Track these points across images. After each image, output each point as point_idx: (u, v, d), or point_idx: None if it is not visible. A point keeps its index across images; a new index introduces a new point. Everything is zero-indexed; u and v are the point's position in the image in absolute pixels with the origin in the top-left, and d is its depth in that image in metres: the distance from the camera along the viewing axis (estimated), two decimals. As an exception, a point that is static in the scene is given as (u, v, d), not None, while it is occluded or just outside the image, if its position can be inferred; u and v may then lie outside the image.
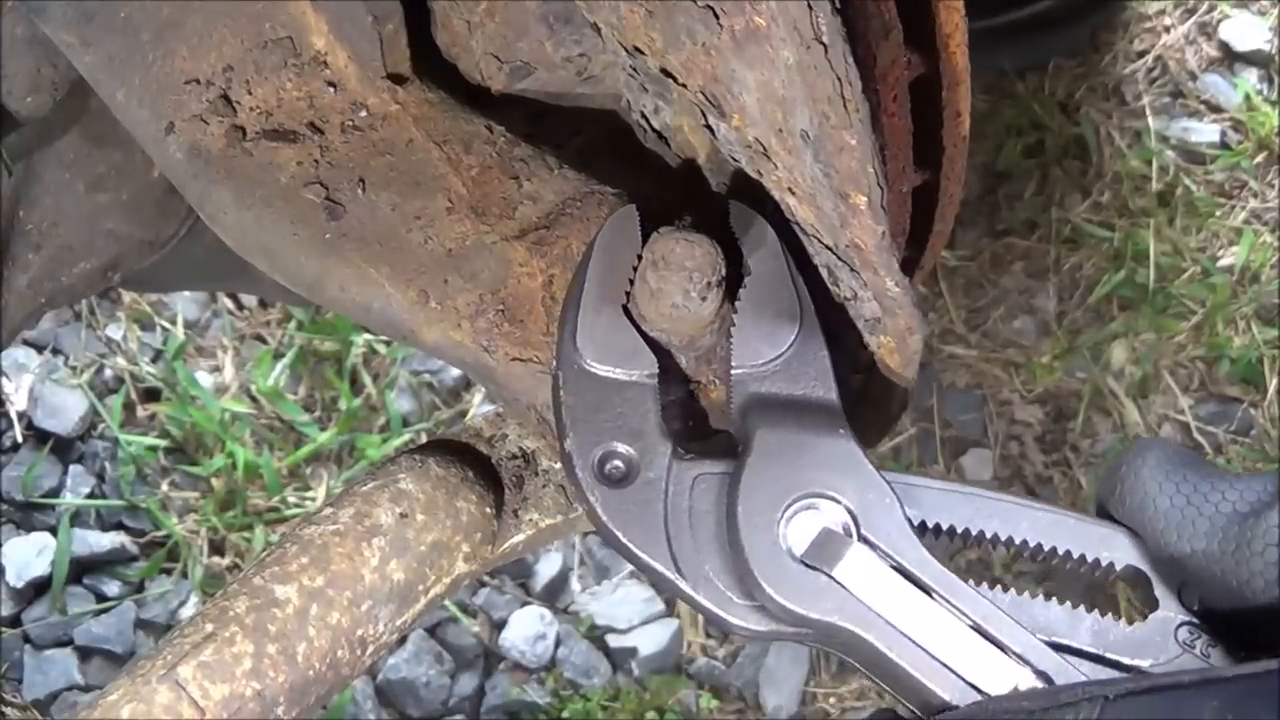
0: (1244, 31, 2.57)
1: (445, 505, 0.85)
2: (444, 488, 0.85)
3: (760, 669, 2.12)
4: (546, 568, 2.16)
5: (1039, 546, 0.75)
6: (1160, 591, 0.74)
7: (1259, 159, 2.47)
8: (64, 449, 2.24)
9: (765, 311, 0.79)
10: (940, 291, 2.34)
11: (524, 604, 2.15)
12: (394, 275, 0.86)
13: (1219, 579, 0.69)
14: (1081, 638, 0.73)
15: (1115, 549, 0.75)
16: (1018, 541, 0.75)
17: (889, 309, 0.78)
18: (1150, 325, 2.31)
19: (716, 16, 0.71)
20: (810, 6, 0.67)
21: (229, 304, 2.33)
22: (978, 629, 0.71)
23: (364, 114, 0.92)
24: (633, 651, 2.12)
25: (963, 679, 0.70)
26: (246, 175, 0.90)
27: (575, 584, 2.17)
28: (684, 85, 0.78)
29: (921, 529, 0.74)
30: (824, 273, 0.81)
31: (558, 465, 0.91)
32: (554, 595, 2.16)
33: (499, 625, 2.14)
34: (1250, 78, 2.55)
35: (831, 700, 2.11)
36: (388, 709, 2.08)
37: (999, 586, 0.74)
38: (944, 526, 0.75)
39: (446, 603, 2.03)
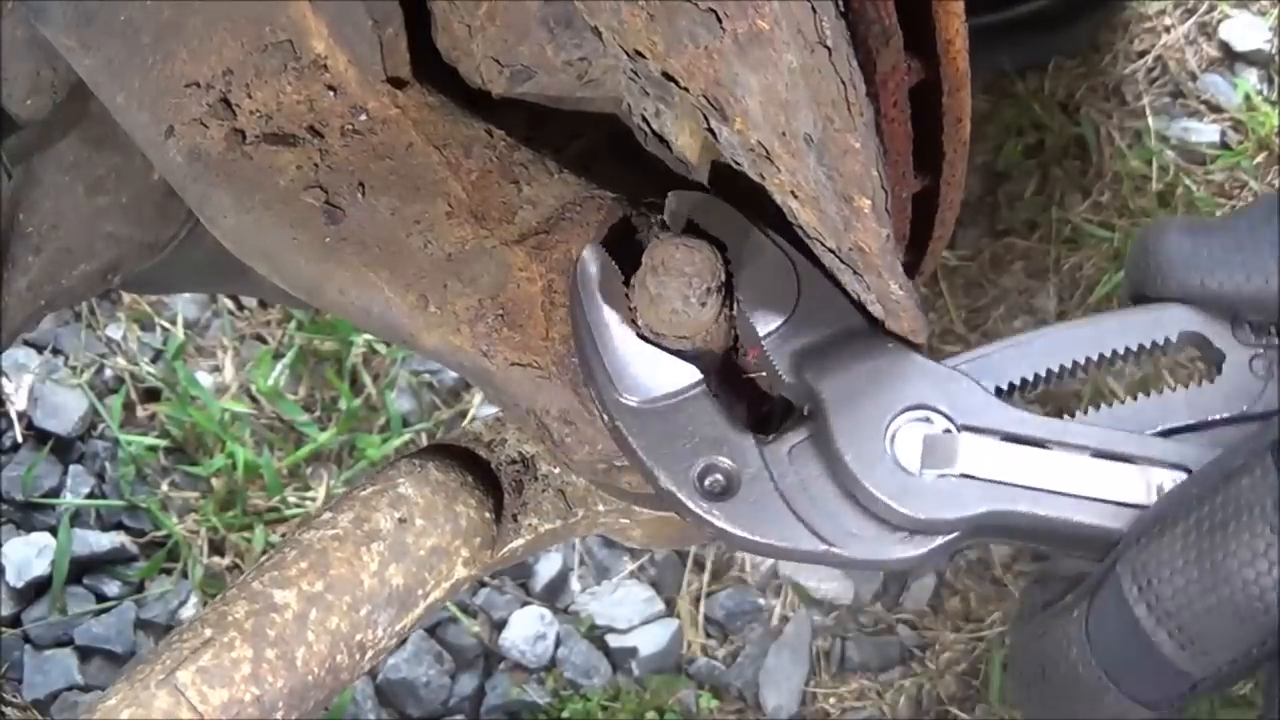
0: (1244, 31, 2.57)
1: (444, 510, 0.85)
2: (443, 492, 0.85)
3: (760, 669, 2.12)
4: (546, 568, 2.16)
5: (1101, 357, 0.77)
6: (1220, 341, 0.77)
7: (1259, 159, 2.47)
8: (64, 449, 2.24)
9: (760, 275, 0.79)
10: (940, 291, 2.34)
11: (524, 604, 2.15)
12: (393, 279, 0.85)
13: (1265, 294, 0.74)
14: (1179, 415, 0.76)
15: (1165, 327, 0.77)
16: (1083, 363, 0.77)
17: (892, 311, 0.78)
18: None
19: (719, 20, 0.71)
20: (814, 9, 0.67)
21: (229, 304, 2.33)
22: (1103, 454, 0.74)
23: (364, 118, 0.91)
24: (633, 651, 2.12)
25: (1115, 502, 0.73)
26: (246, 179, 0.90)
27: (575, 584, 2.17)
28: (686, 89, 0.78)
29: (1000, 393, 0.76)
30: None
31: (557, 470, 0.91)
32: (554, 595, 2.16)
33: (499, 625, 2.14)
34: (1250, 78, 2.55)
35: (831, 700, 2.11)
36: (388, 709, 2.08)
37: (1085, 410, 0.77)
38: (1018, 382, 0.77)
39: (446, 603, 2.04)
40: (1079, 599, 0.71)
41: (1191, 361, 0.79)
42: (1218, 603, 0.65)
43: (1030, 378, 0.77)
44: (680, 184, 0.89)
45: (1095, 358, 0.77)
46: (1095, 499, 0.73)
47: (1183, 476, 0.73)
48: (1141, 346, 0.77)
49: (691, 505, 0.76)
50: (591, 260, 0.81)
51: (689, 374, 0.78)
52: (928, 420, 0.75)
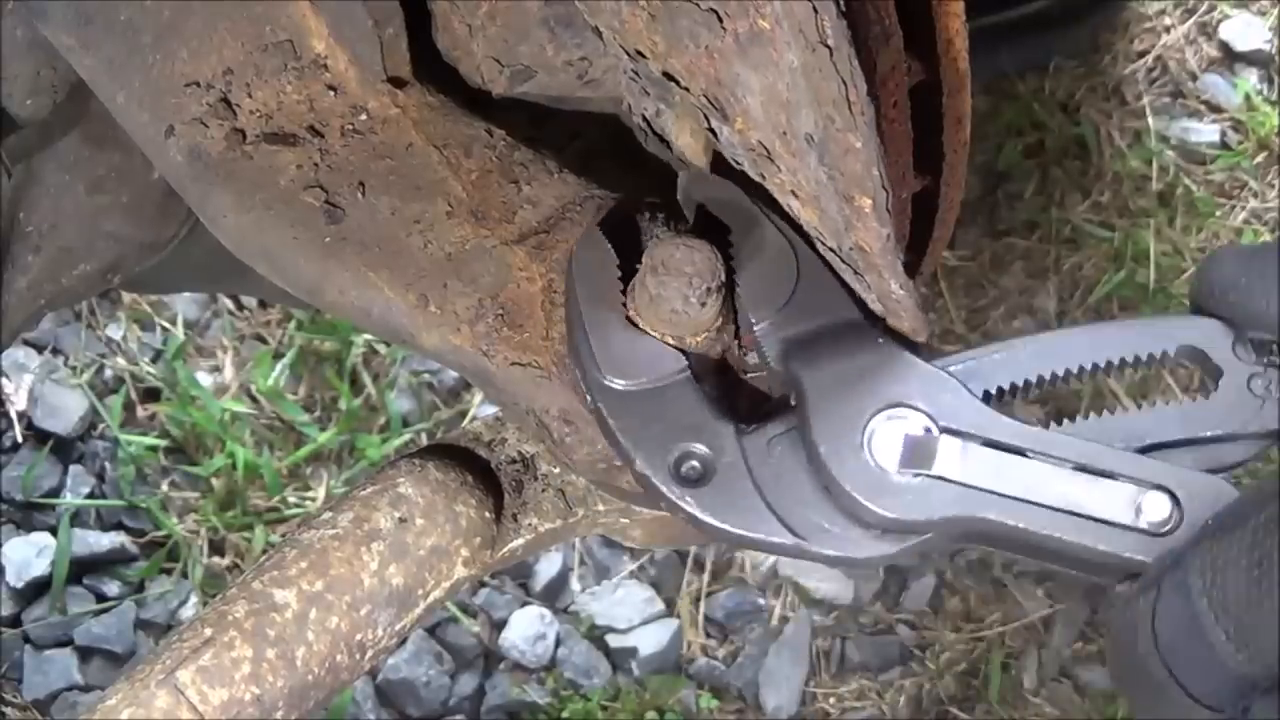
0: (1244, 31, 2.57)
1: (444, 510, 0.85)
2: (443, 492, 0.85)
3: (760, 669, 2.12)
4: (546, 568, 2.16)
5: (1095, 367, 0.76)
6: (1220, 358, 0.76)
7: (1259, 159, 2.47)
8: (64, 449, 2.24)
9: (761, 261, 0.79)
10: (940, 291, 2.34)
11: (524, 604, 2.15)
12: (393, 279, 0.85)
13: None
14: (1171, 430, 0.75)
15: (1164, 340, 0.77)
16: (1075, 372, 0.76)
17: (893, 311, 0.78)
18: (1151, 323, 2.30)
19: (720, 19, 0.71)
20: (816, 9, 0.67)
21: (229, 304, 2.33)
22: (1084, 468, 0.73)
23: (364, 117, 0.91)
24: (633, 651, 2.12)
25: (1091, 518, 0.72)
26: (246, 178, 0.90)
27: (575, 584, 2.17)
28: (686, 89, 0.78)
29: (988, 398, 0.76)
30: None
31: (557, 469, 0.91)
32: (554, 595, 2.16)
33: (499, 625, 2.14)
34: (1250, 78, 2.55)
35: (831, 700, 2.11)
36: (388, 709, 2.08)
37: (1075, 419, 0.76)
38: (1007, 386, 0.76)
39: (446, 603, 2.04)
40: (1146, 588, 0.70)
41: (1192, 376, 0.78)
42: (1272, 607, 0.64)
43: (1021, 383, 0.76)
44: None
45: (1089, 366, 0.77)
46: (1071, 513, 0.72)
47: (1164, 498, 0.72)
48: (1138, 358, 0.77)
49: (665, 490, 0.76)
50: (589, 245, 0.81)
51: (675, 360, 0.78)
52: (908, 419, 0.74)
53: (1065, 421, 0.76)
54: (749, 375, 0.82)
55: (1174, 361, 0.76)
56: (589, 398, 0.79)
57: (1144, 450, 0.75)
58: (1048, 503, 0.73)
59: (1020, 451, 0.74)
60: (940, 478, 0.73)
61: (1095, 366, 0.77)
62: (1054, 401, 2.25)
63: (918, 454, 0.74)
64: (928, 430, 0.74)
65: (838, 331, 0.78)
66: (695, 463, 0.76)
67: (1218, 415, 0.75)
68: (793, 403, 0.77)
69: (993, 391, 0.76)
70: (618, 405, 0.78)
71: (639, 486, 0.78)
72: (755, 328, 0.78)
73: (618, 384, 0.78)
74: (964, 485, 0.73)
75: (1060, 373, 0.77)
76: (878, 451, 0.74)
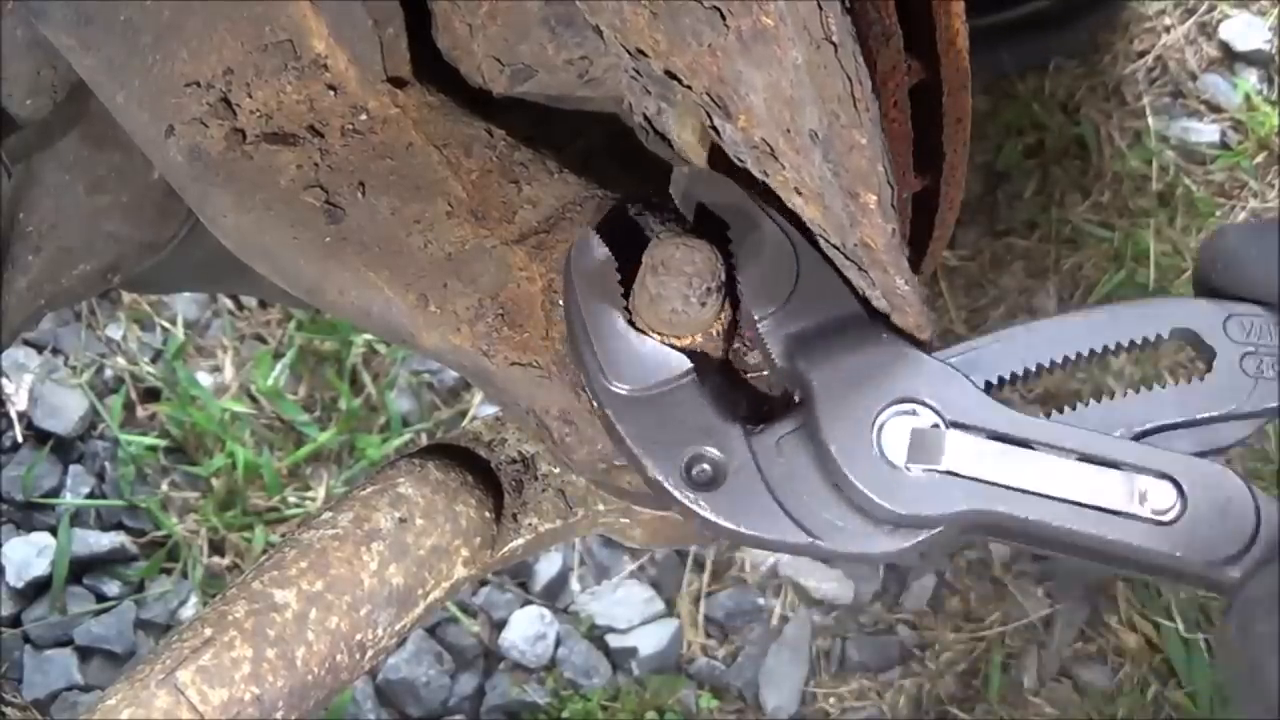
0: (1244, 31, 2.57)
1: (444, 510, 0.85)
2: (443, 492, 0.85)
3: (760, 669, 2.12)
4: (546, 568, 2.16)
5: (1092, 352, 0.77)
6: (1212, 339, 0.76)
7: (1259, 159, 2.47)
8: (64, 449, 2.24)
9: (761, 259, 0.79)
10: (940, 291, 2.34)
11: (524, 604, 2.15)
12: (393, 279, 0.85)
13: None
14: (1168, 413, 0.76)
15: (1157, 323, 0.78)
16: (1073, 358, 0.77)
17: (898, 306, 0.78)
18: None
19: (723, 17, 0.70)
20: (820, 6, 0.66)
21: (229, 304, 2.33)
22: (1088, 458, 0.74)
23: (364, 117, 0.91)
24: (633, 651, 2.12)
25: (1097, 508, 0.73)
26: (246, 178, 0.90)
27: (575, 584, 2.17)
28: (689, 87, 0.78)
29: (989, 388, 0.76)
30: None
31: (557, 469, 0.91)
32: (554, 595, 2.16)
33: (499, 625, 2.14)
34: (1250, 78, 2.55)
35: (831, 700, 2.11)
36: (388, 709, 2.08)
37: (1075, 406, 0.77)
38: (1008, 376, 0.77)
39: (446, 603, 2.04)
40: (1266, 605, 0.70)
41: (1192, 361, 0.79)
42: None
43: (1021, 372, 0.77)
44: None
45: (1086, 352, 0.77)
46: (1078, 504, 0.73)
47: (1168, 486, 0.73)
48: (1133, 342, 0.77)
49: (678, 495, 0.76)
50: (586, 247, 0.81)
51: (679, 363, 0.78)
52: (916, 414, 0.75)
53: (1066, 409, 0.76)
54: (750, 375, 0.82)
55: (1168, 345, 0.77)
56: (595, 403, 0.79)
57: (1143, 434, 0.75)
58: (1055, 494, 0.73)
59: (1026, 443, 0.74)
60: (950, 472, 0.74)
61: (1092, 353, 0.77)
62: (1054, 401, 2.25)
63: (927, 449, 0.74)
64: (935, 425, 0.75)
65: (840, 327, 0.78)
66: (706, 466, 0.76)
67: (1213, 396, 0.76)
68: (798, 399, 0.77)
69: (994, 382, 0.77)
70: (624, 411, 0.78)
71: (649, 490, 0.78)
72: (758, 325, 0.78)
73: (623, 389, 0.78)
74: (973, 479, 0.74)
75: (1059, 359, 0.77)
76: (887, 447, 0.74)
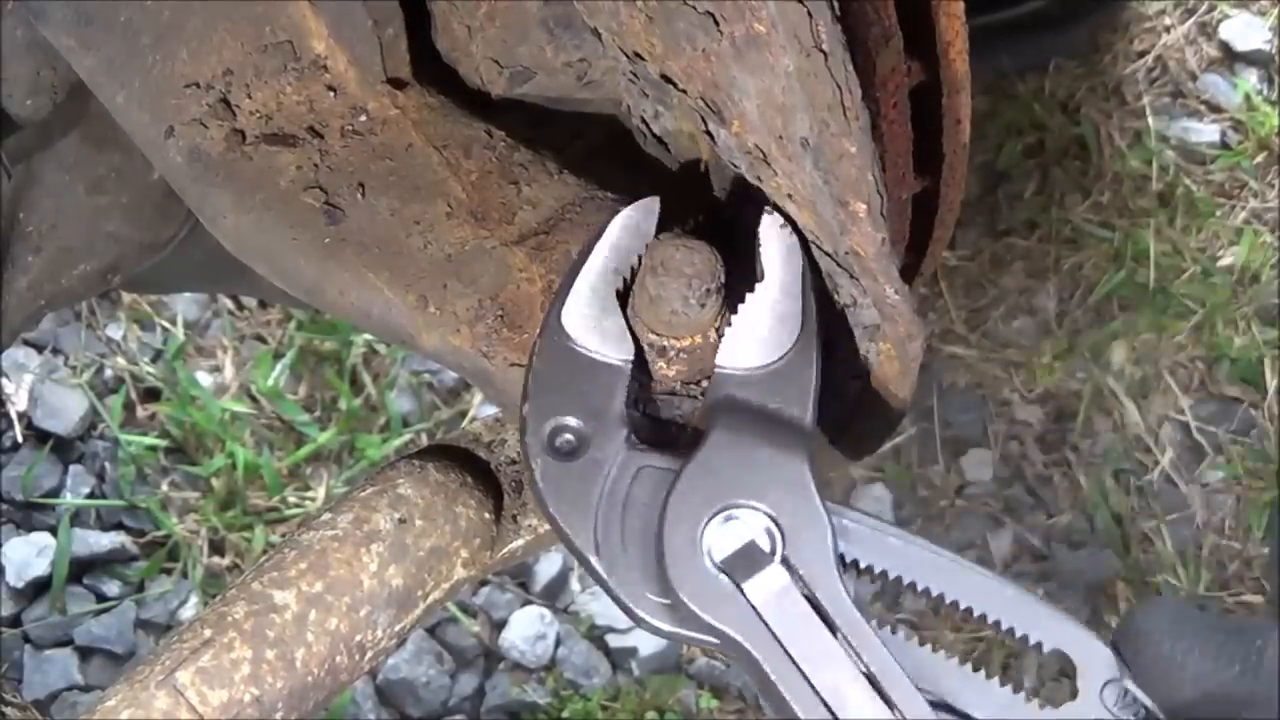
0: (1244, 31, 2.57)
1: (444, 510, 0.85)
2: (443, 493, 0.85)
3: (760, 669, 2.12)
4: (546, 567, 2.16)
5: (969, 610, 0.75)
6: (1083, 684, 0.75)
7: (1259, 159, 2.47)
8: (64, 449, 2.24)
9: (765, 319, 0.78)
10: (940, 291, 2.34)
11: (524, 604, 2.15)
12: (393, 280, 0.86)
13: (1219, 698, 0.70)
14: (985, 709, 0.74)
15: (1051, 635, 0.75)
16: (948, 601, 0.75)
17: (888, 315, 0.78)
18: (1150, 325, 2.30)
19: (717, 23, 0.71)
20: (810, 14, 0.67)
21: (229, 304, 2.33)
22: (871, 679, 0.71)
23: (364, 118, 0.92)
24: (633, 651, 2.12)
25: None
26: (246, 179, 0.90)
27: (575, 584, 2.17)
28: (684, 91, 0.78)
29: (852, 566, 0.75)
30: (824, 279, 0.81)
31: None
32: (554, 595, 2.16)
33: (499, 625, 2.14)
34: (1250, 78, 2.55)
35: (831, 700, 2.11)
36: (388, 709, 2.08)
37: (924, 641, 0.75)
38: (876, 569, 0.75)
39: (446, 603, 2.04)
40: None
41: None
42: None
43: (892, 575, 0.75)
44: (680, 184, 0.89)
45: (964, 608, 0.75)
46: (826, 707, 0.70)
47: None
48: (1012, 631, 0.75)
49: (529, 441, 0.76)
50: (646, 207, 0.81)
51: (627, 349, 0.78)
52: (761, 534, 0.73)
53: (903, 632, 0.74)
54: (664, 393, 0.81)
55: (1045, 657, 0.75)
56: (539, 332, 0.79)
57: (947, 710, 0.73)
58: (815, 684, 0.71)
59: (833, 628, 0.72)
60: (745, 595, 0.72)
61: (970, 612, 0.75)
62: (1054, 401, 2.25)
63: (744, 563, 0.72)
64: (771, 553, 0.73)
65: (776, 422, 0.76)
66: (571, 438, 0.76)
67: None
68: (692, 445, 0.76)
69: (861, 564, 0.75)
70: (551, 352, 0.77)
71: (519, 428, 0.78)
72: (717, 369, 0.77)
73: (567, 335, 0.77)
74: (759, 616, 0.72)
75: (934, 593, 0.75)
76: (714, 538, 0.73)
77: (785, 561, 0.73)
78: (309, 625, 0.80)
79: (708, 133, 0.80)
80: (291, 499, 2.18)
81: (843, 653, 0.71)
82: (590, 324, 0.78)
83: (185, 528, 2.17)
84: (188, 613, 2.12)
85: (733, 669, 2.12)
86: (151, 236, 1.17)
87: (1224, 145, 2.49)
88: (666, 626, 0.75)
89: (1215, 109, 2.53)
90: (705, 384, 0.78)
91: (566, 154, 0.93)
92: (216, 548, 2.17)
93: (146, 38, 0.91)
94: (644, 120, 0.89)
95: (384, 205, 0.88)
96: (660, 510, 0.74)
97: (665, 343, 0.79)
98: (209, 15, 0.92)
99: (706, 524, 0.73)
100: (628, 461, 0.76)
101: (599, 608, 2.14)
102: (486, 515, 0.86)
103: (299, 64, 0.93)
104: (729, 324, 0.79)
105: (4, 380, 2.25)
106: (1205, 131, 2.49)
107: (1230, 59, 2.57)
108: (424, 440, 2.19)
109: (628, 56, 0.80)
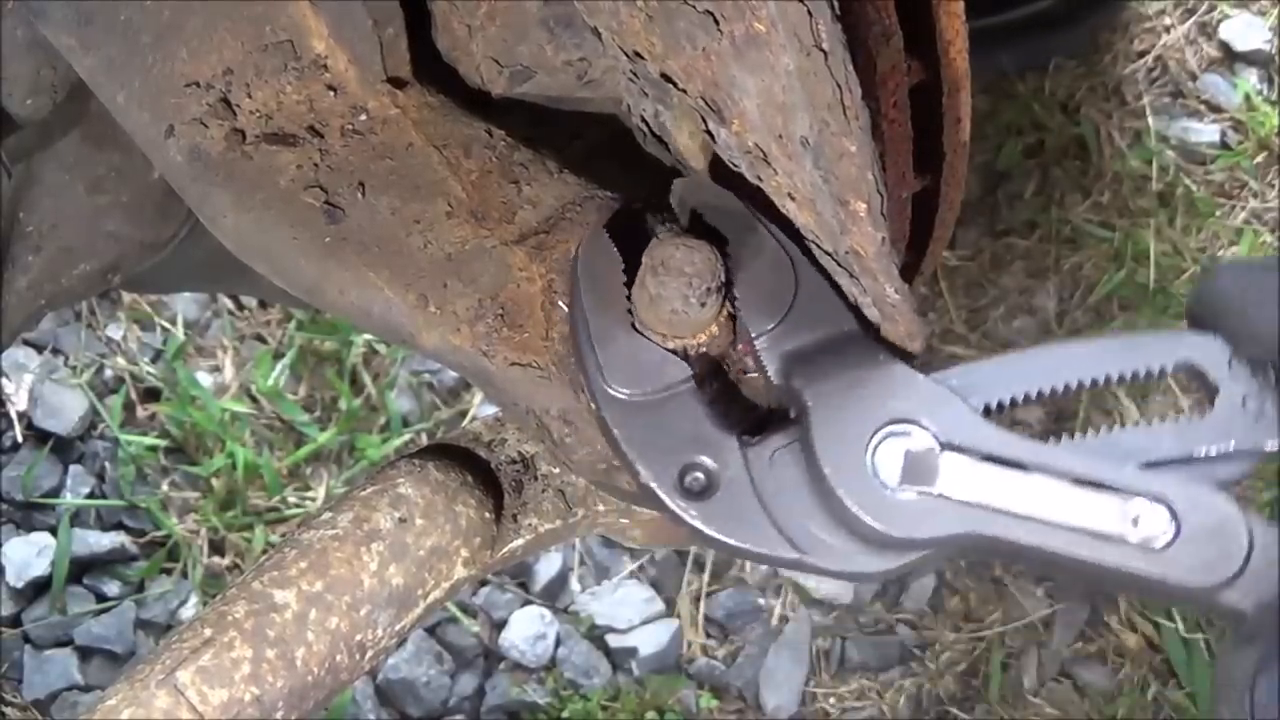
0: (1244, 31, 2.57)
1: (444, 510, 0.85)
2: (443, 492, 0.85)
3: (760, 669, 2.12)
4: (546, 568, 2.16)
5: (1094, 381, 0.77)
6: (1216, 376, 0.76)
7: (1259, 159, 2.47)
8: (64, 449, 2.24)
9: (759, 270, 0.79)
10: (940, 291, 2.34)
11: (524, 604, 2.15)
12: (393, 279, 0.85)
13: None
14: (1166, 448, 0.76)
15: (1162, 356, 0.77)
16: (1074, 386, 0.77)
17: (888, 314, 0.78)
18: (1150, 325, 2.31)
19: (716, 22, 0.71)
20: (810, 13, 0.67)
21: (229, 304, 2.33)
22: (1082, 482, 0.73)
23: (364, 118, 0.91)
24: (633, 651, 2.12)
25: (1091, 532, 0.73)
26: (246, 178, 0.90)
27: (575, 584, 2.17)
28: (684, 90, 0.78)
29: (988, 411, 0.76)
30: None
31: (557, 470, 0.91)
32: (554, 595, 2.16)
33: (499, 625, 2.14)
34: (1250, 78, 2.55)
35: (831, 700, 2.11)
36: (388, 709, 2.08)
37: (1073, 434, 0.76)
38: (1006, 400, 0.77)
39: (446, 603, 2.04)
40: (1247, 642, 0.70)
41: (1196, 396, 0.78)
42: None
43: (1020, 397, 0.77)
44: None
45: (1088, 381, 0.77)
46: (1071, 528, 0.73)
47: (1162, 511, 0.73)
48: (1135, 374, 0.77)
49: (669, 502, 0.76)
50: (594, 250, 0.81)
51: (679, 370, 0.79)
52: (910, 436, 0.75)
53: (1064, 436, 0.76)
54: (746, 375, 0.82)
55: (1171, 376, 0.77)
56: (593, 405, 0.79)
57: (1141, 467, 0.75)
58: (1047, 518, 0.73)
59: (1021, 465, 0.74)
60: (943, 495, 0.74)
61: (1094, 381, 0.77)
62: (1054, 401, 2.25)
63: (920, 471, 0.74)
64: (930, 447, 0.74)
65: (838, 344, 0.78)
66: (699, 475, 0.76)
67: (1212, 434, 0.76)
68: (794, 415, 0.77)
69: (992, 405, 0.77)
70: (621, 415, 0.78)
71: (643, 496, 0.78)
72: (755, 341, 0.78)
73: (622, 393, 0.78)
74: (966, 503, 0.74)
75: (1059, 387, 0.77)
76: (881, 468, 0.74)
77: (948, 446, 0.74)
78: (309, 624, 0.80)
79: (708, 132, 0.80)
80: (291, 499, 2.18)
81: (1048, 479, 0.74)
82: (633, 371, 0.78)
83: (185, 528, 2.17)
84: (188, 613, 2.12)
85: (733, 669, 2.12)
86: (152, 236, 1.17)
87: (1224, 145, 2.49)
88: (896, 564, 0.75)
89: (1215, 109, 2.53)
90: (754, 342, 0.79)
91: (566, 153, 0.92)
92: (216, 548, 2.17)
93: (146, 37, 0.91)
94: (644, 119, 0.89)
95: (384, 204, 0.88)
96: (818, 477, 0.75)
97: (684, 344, 0.79)
98: (209, 15, 0.92)
99: (867, 462, 0.74)
100: (757, 459, 0.76)
101: (599, 608, 2.15)
102: (487, 514, 0.86)
103: (299, 63, 0.93)
104: (734, 295, 0.79)
105: (4, 380, 2.26)
106: (1205, 131, 2.50)
107: (1230, 59, 2.57)
108: (424, 440, 2.19)
109: (627, 56, 0.80)
